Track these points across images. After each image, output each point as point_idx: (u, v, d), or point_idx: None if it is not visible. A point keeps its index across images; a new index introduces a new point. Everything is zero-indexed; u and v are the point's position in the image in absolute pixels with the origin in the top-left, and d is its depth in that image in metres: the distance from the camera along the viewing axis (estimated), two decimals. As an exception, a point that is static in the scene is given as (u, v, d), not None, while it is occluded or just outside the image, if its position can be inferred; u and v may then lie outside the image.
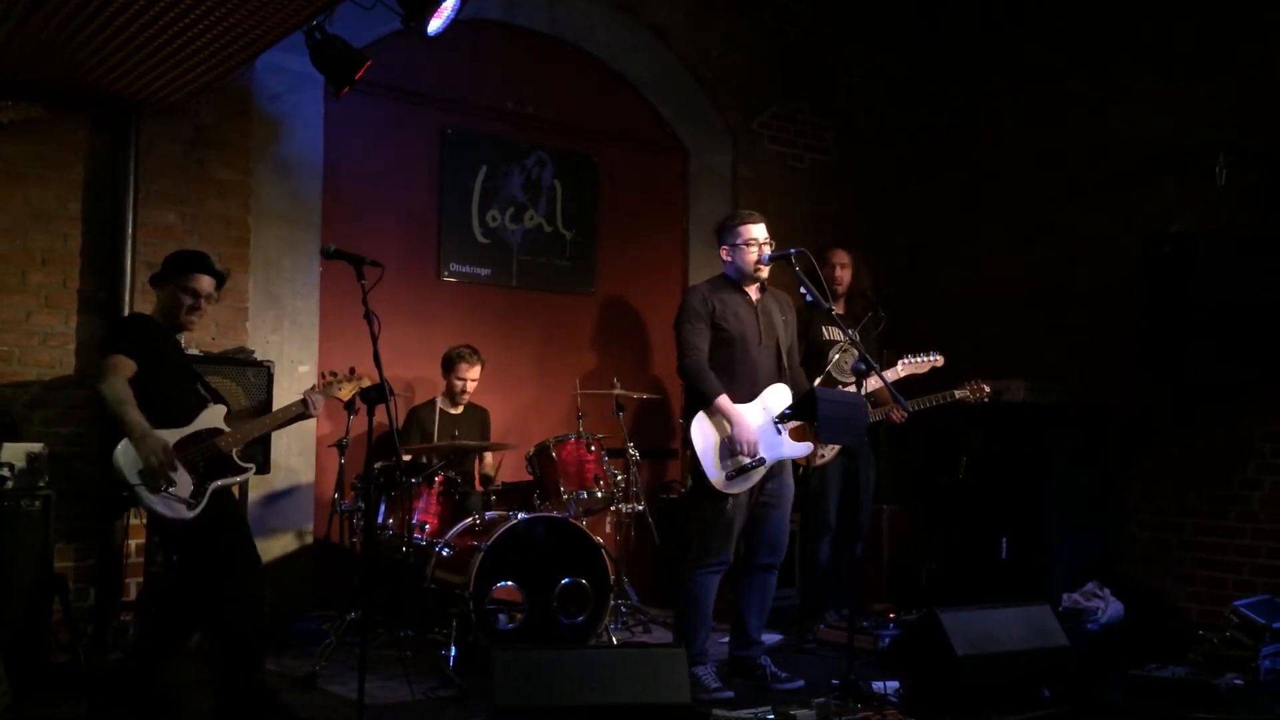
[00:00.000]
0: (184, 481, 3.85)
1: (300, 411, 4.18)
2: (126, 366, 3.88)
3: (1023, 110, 7.21)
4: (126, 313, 5.06)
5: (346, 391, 4.35)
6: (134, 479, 3.78)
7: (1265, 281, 5.77)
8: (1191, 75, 6.35)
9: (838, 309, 5.66)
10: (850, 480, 5.73)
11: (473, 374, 5.84)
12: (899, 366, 5.38)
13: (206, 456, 3.94)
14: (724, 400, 4.53)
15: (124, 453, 3.80)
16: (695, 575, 4.61)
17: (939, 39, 7.81)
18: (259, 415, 4.42)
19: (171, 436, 3.87)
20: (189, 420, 3.99)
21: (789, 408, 4.62)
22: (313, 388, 4.30)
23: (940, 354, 5.46)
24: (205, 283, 4.10)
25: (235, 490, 4.37)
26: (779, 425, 4.61)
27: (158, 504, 3.82)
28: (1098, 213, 6.75)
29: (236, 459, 4.05)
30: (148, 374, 3.93)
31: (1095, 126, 6.81)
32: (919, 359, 5.42)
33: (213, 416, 4.07)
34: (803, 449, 4.72)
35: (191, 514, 3.86)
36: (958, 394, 5.51)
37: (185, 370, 4.24)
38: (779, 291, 4.92)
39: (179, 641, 4.14)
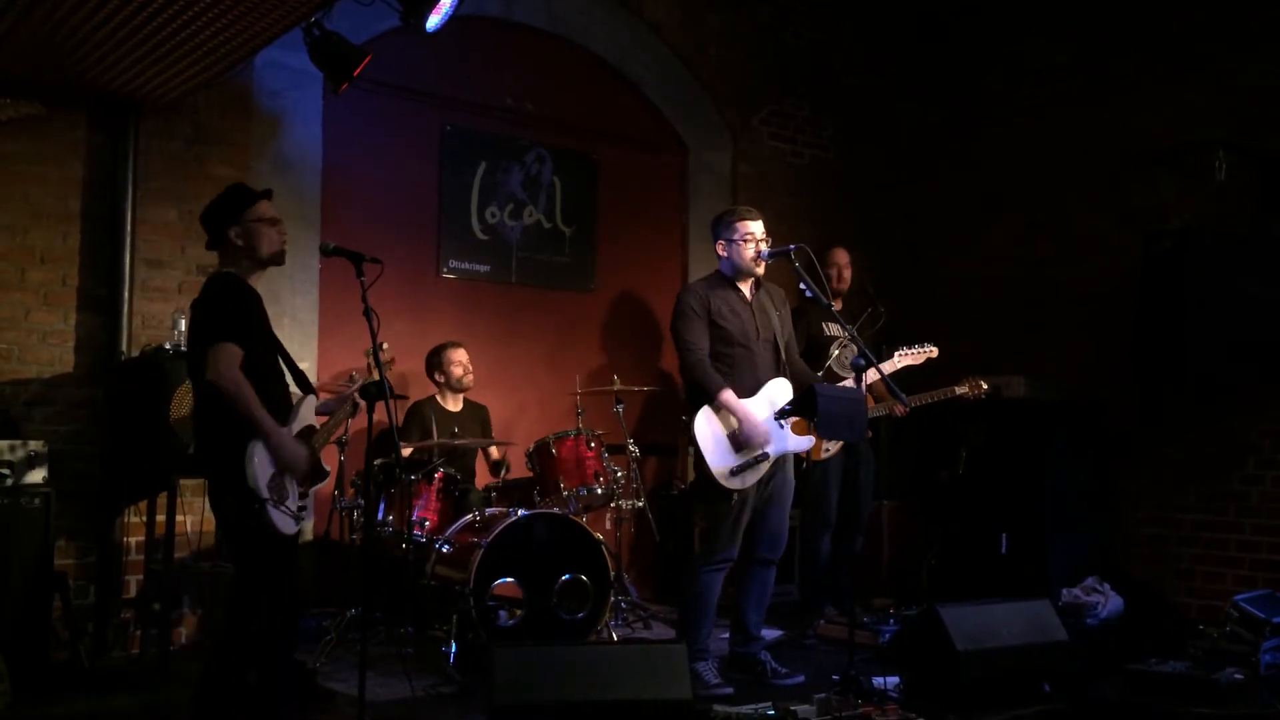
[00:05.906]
0: (292, 492, 3.54)
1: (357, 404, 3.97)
2: (237, 356, 3.44)
3: (1022, 107, 7.20)
4: (215, 284, 3.75)
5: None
6: (266, 493, 3.40)
7: (1264, 278, 5.78)
8: (1190, 72, 6.35)
9: (836, 305, 5.66)
10: (850, 476, 5.75)
11: (460, 356, 5.82)
12: (895, 359, 5.31)
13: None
14: (729, 395, 4.52)
15: (259, 461, 3.41)
16: (700, 572, 4.61)
17: (938, 35, 7.81)
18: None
19: None
20: (288, 416, 3.63)
21: (789, 404, 4.62)
22: (352, 379, 4.17)
23: (934, 345, 5.41)
24: (268, 205, 3.73)
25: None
26: (780, 420, 4.61)
27: (278, 519, 3.46)
28: (1097, 209, 6.75)
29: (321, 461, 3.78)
30: (250, 359, 3.52)
31: (1095, 123, 6.81)
32: (914, 350, 5.36)
33: (307, 411, 3.71)
34: (805, 443, 4.72)
35: (298, 527, 3.54)
36: (958, 390, 5.56)
37: (274, 345, 3.75)
38: (773, 286, 4.91)
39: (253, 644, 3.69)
